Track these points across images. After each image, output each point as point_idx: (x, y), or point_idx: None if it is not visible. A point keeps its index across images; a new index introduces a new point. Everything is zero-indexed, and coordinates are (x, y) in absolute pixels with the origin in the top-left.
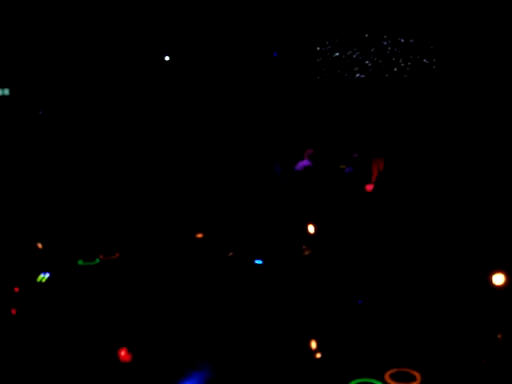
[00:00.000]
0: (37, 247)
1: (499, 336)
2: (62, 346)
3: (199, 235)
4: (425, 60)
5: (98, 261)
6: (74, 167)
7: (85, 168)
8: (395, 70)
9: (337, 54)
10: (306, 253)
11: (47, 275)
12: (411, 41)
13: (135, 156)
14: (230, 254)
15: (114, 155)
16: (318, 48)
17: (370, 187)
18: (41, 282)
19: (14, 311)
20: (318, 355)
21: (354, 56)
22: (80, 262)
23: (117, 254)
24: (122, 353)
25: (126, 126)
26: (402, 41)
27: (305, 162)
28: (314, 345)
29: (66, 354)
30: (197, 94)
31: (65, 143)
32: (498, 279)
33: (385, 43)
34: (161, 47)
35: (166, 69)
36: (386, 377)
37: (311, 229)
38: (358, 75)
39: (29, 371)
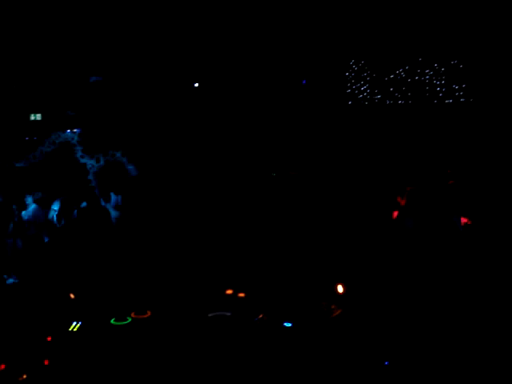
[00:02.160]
0: (69, 297)
1: None
2: None
3: (229, 291)
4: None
5: (129, 320)
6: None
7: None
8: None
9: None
10: (336, 313)
11: (79, 324)
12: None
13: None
14: (261, 316)
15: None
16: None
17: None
18: (73, 330)
19: (46, 361)
20: None
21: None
22: (112, 321)
23: (148, 313)
24: None
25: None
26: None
27: None
28: None
29: None
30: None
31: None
32: None
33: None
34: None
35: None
36: None
37: (340, 288)
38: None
39: None
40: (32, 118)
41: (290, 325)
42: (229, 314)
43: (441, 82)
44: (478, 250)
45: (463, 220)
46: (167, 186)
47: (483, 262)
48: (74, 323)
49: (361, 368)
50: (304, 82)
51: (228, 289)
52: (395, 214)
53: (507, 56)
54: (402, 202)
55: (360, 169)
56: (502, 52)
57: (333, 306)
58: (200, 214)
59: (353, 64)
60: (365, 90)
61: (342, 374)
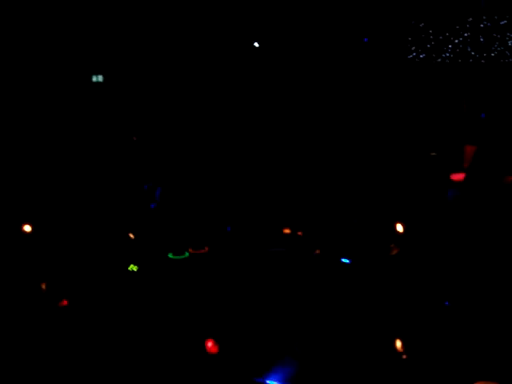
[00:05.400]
0: (129, 237)
1: None
2: (149, 336)
3: (287, 231)
4: None
5: (187, 254)
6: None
7: (179, 160)
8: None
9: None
10: (394, 252)
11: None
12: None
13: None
14: (317, 251)
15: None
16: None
17: (458, 176)
18: (132, 270)
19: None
20: (403, 357)
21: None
22: (170, 255)
23: (206, 248)
24: (209, 344)
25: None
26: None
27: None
28: (398, 346)
29: (154, 345)
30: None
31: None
32: None
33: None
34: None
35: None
36: None
37: (400, 227)
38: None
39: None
40: (94, 79)
41: (347, 261)
42: (285, 249)
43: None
44: None
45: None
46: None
47: None
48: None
49: (419, 306)
50: (366, 40)
51: (286, 228)
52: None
53: None
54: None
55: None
56: None
57: (391, 245)
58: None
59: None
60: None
61: (401, 311)
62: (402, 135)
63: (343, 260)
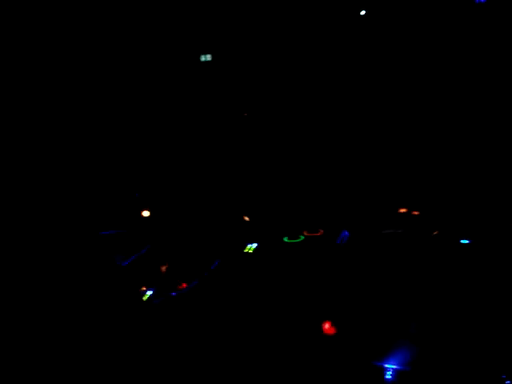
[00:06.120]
0: (244, 220)
1: None
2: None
3: (402, 210)
4: None
5: (302, 238)
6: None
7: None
8: None
9: None
10: None
11: (253, 246)
12: None
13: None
14: (435, 232)
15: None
16: None
17: None
18: (248, 252)
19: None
20: None
21: None
22: (285, 239)
23: (321, 231)
24: (327, 325)
25: None
26: None
27: None
28: None
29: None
30: None
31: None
32: None
33: None
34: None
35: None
36: None
37: None
38: None
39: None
40: (202, 59)
41: (467, 242)
42: (401, 231)
43: None
44: None
45: None
46: None
47: None
48: (249, 245)
49: None
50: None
51: (401, 207)
52: None
53: None
54: None
55: None
56: None
57: None
58: None
59: None
60: None
61: None
62: None
63: (463, 241)
